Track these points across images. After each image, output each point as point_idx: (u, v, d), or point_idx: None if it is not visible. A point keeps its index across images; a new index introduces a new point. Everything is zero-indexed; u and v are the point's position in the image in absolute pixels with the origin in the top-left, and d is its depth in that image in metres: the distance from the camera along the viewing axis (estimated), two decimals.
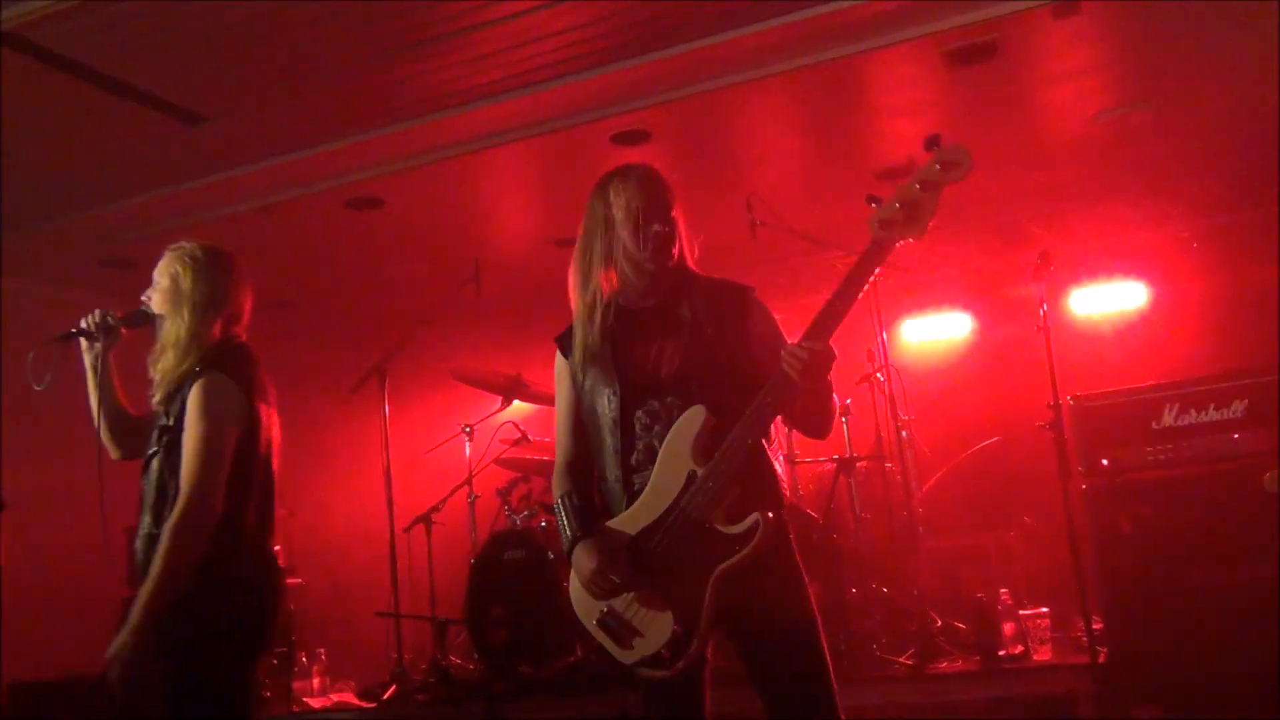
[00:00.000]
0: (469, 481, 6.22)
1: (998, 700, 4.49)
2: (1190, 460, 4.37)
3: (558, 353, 2.83)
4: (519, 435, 6.14)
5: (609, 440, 2.66)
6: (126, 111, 4.78)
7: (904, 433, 5.78)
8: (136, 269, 6.58)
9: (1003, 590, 5.01)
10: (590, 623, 2.67)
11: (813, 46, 4.75)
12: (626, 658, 2.60)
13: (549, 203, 6.66)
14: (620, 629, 2.60)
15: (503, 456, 6.19)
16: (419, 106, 5.09)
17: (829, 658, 2.56)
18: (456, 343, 7.00)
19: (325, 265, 7.17)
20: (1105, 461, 4.50)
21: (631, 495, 2.62)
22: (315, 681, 5.98)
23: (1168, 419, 4.43)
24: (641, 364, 2.65)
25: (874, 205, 2.46)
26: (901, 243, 2.45)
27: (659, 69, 4.83)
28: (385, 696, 5.53)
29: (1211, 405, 4.39)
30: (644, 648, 2.57)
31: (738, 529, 2.45)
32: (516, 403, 6.27)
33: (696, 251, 2.80)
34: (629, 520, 2.62)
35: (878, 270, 2.51)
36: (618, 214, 2.71)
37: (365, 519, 6.58)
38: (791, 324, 2.65)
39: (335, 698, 5.87)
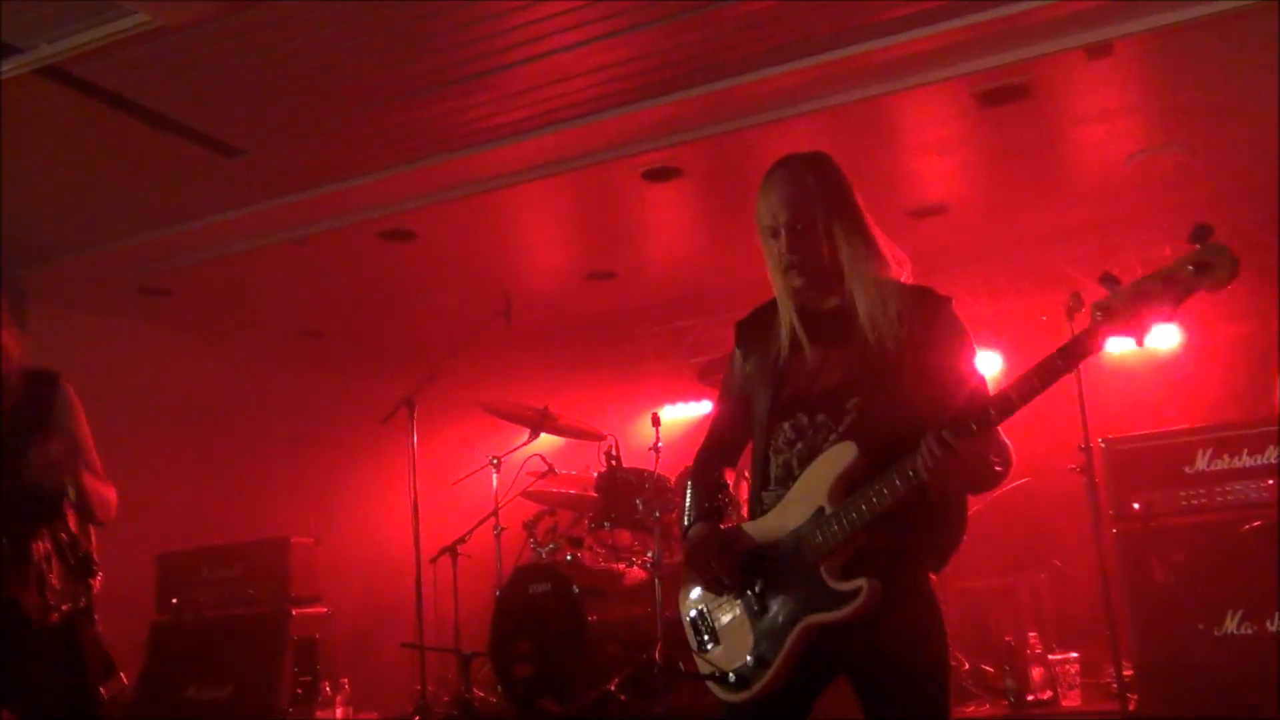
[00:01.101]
0: (495, 514, 6.22)
1: None
2: (1224, 506, 4.32)
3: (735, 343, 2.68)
4: (546, 468, 6.15)
5: (758, 443, 2.52)
6: (165, 143, 4.87)
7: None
8: (170, 298, 6.71)
9: (1031, 634, 4.95)
10: (686, 615, 2.60)
11: (844, 86, 4.77)
12: (700, 664, 2.53)
13: (580, 237, 6.71)
14: (706, 630, 2.54)
15: (529, 489, 6.20)
16: (453, 141, 5.15)
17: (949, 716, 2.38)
18: (485, 375, 7.04)
19: (358, 296, 7.24)
20: (1137, 505, 4.46)
21: (759, 510, 2.50)
22: (339, 711, 5.99)
23: (1200, 464, 4.39)
24: (801, 371, 2.47)
25: (1108, 286, 2.11)
26: (1111, 339, 2.12)
27: (690, 106, 4.87)
28: None
29: (1245, 450, 4.35)
30: (718, 660, 2.49)
31: (843, 587, 2.28)
32: (544, 436, 6.28)
33: (897, 254, 2.51)
34: (752, 531, 2.49)
35: (1083, 361, 2.18)
36: (759, 223, 2.54)
37: (392, 549, 6.60)
38: None
39: None
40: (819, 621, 2.30)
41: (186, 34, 4.00)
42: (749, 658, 2.41)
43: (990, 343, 7.42)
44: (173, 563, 6.38)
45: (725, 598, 2.51)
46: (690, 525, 2.60)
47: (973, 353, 2.46)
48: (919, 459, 2.18)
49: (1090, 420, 4.39)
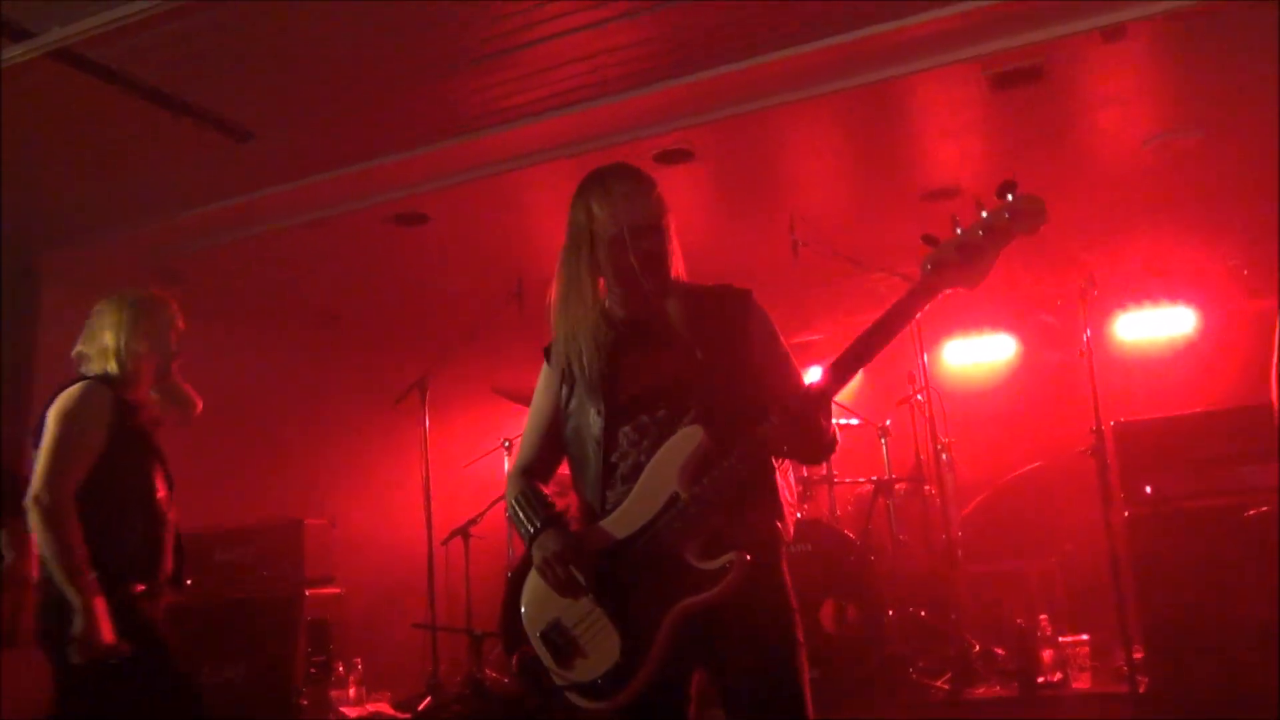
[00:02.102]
0: (507, 495, 6.24)
1: None
2: (1236, 490, 4.31)
3: (545, 363, 2.71)
4: None
5: (592, 458, 2.50)
6: (178, 127, 4.87)
7: (944, 455, 5.75)
8: (184, 282, 6.73)
9: (1042, 616, 4.96)
10: (535, 633, 2.48)
11: (856, 68, 4.75)
12: (561, 680, 2.41)
13: None
14: (564, 645, 2.42)
15: None
16: (465, 124, 5.15)
17: (809, 699, 2.34)
18: (498, 358, 7.05)
19: (371, 280, 7.26)
20: (1149, 489, 4.45)
21: (603, 512, 2.46)
22: (351, 691, 6.03)
23: (1213, 447, 4.38)
24: (631, 377, 2.49)
25: (930, 245, 2.25)
26: (950, 290, 2.25)
27: (703, 89, 4.85)
28: (420, 708, 5.57)
29: (1258, 435, 4.33)
30: (582, 672, 2.38)
31: (710, 565, 2.26)
32: None
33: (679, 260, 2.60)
34: (601, 531, 2.43)
35: (918, 315, 2.30)
36: (603, 229, 2.53)
37: (404, 531, 6.64)
38: (834, 343, 2.61)
39: (371, 708, 5.92)
40: (692, 604, 2.26)
41: (197, 16, 4.00)
42: (618, 659, 2.33)
43: (1005, 326, 7.42)
44: (186, 544, 6.40)
45: (582, 603, 2.41)
46: (535, 533, 2.52)
47: (778, 336, 2.54)
48: (768, 427, 2.24)
49: (1104, 405, 4.38)
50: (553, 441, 2.68)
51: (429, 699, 5.61)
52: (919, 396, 5.80)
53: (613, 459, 2.47)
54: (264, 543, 6.25)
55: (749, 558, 2.25)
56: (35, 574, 3.17)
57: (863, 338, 2.26)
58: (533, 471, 2.71)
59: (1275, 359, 2.03)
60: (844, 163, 6.13)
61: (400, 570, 6.83)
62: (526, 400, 6.77)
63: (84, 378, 3.34)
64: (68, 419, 3.20)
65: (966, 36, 4.54)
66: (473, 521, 6.28)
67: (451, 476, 6.78)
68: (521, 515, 2.59)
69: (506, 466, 6.33)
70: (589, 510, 2.51)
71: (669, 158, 5.50)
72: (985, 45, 4.59)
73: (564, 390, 2.62)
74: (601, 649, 2.36)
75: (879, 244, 5.69)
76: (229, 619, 5.97)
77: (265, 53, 4.36)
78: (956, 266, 2.22)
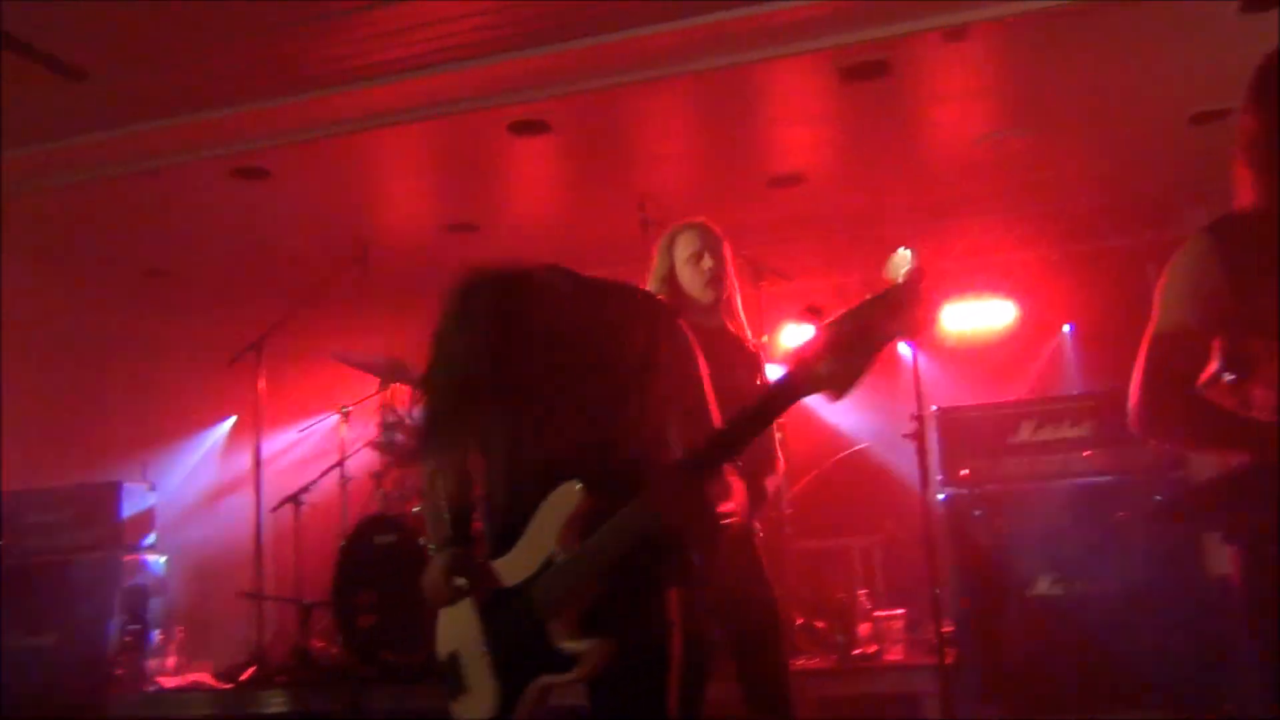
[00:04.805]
0: (341, 464, 6.14)
1: (850, 698, 4.64)
2: (1043, 474, 4.58)
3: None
4: (396, 419, 6.08)
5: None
6: (3, 61, 4.58)
7: (778, 434, 5.91)
8: (6, 225, 6.34)
9: (861, 591, 5.17)
10: (443, 650, 2.42)
11: (711, 51, 4.82)
12: (451, 709, 2.37)
13: (443, 188, 6.60)
14: (456, 679, 2.35)
15: (379, 440, 6.12)
16: (316, 79, 4.99)
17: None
18: (339, 323, 6.90)
19: (207, 234, 6.98)
20: (965, 472, 4.69)
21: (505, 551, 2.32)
22: (170, 660, 5.84)
23: (1025, 434, 4.64)
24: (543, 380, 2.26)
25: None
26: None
27: (561, 61, 4.84)
28: (243, 678, 5.43)
29: (1066, 422, 4.61)
30: (466, 709, 2.32)
31: (571, 648, 2.13)
32: (397, 387, 6.21)
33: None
34: (497, 570, 2.32)
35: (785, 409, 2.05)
36: None
37: (232, 497, 6.45)
38: None
39: (190, 678, 5.74)
40: (550, 684, 2.18)
41: None
42: (493, 712, 2.26)
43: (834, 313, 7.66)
44: None
45: (476, 643, 2.33)
46: (441, 545, 2.42)
47: (691, 355, 2.32)
48: (649, 497, 2.04)
49: (931, 391, 4.59)
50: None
51: (253, 669, 5.47)
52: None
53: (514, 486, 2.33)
54: (80, 504, 5.97)
55: (608, 646, 2.11)
56: None
57: (726, 431, 2.10)
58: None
59: (1139, 363, 2.14)
60: (695, 144, 6.22)
61: (227, 537, 6.64)
62: (366, 367, 6.67)
63: None
64: None
65: (819, 27, 4.66)
66: (305, 489, 6.13)
67: (286, 442, 6.61)
68: (443, 515, 2.48)
69: (343, 434, 6.21)
70: (495, 538, 2.37)
71: (524, 128, 5.47)
72: (837, 37, 4.72)
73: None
74: (482, 695, 2.29)
75: (726, 225, 5.76)
76: (41, 583, 5.70)
77: None
78: (824, 379, 1.93)
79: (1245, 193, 2.10)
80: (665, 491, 2.04)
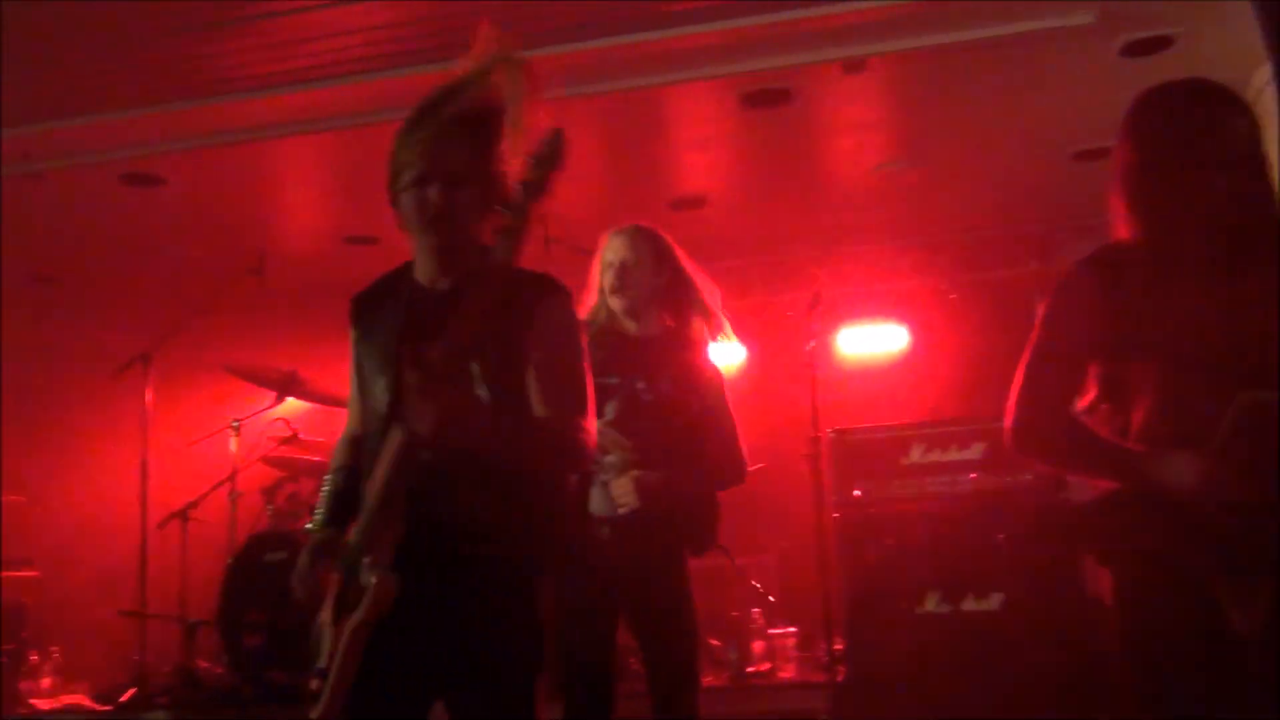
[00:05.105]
0: (232, 478, 5.99)
1: (744, 717, 4.69)
2: (932, 496, 4.70)
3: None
4: (290, 434, 5.97)
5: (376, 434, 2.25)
6: None
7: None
8: None
9: (755, 610, 5.24)
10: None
11: (615, 73, 4.87)
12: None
13: (341, 199, 6.51)
14: (317, 637, 2.25)
15: (271, 455, 6.00)
16: (213, 86, 4.90)
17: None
18: (233, 335, 6.75)
19: (96, 241, 6.76)
20: (857, 493, 4.79)
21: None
22: (46, 681, 5.63)
23: (915, 456, 4.76)
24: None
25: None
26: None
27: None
28: (123, 699, 5.26)
29: (955, 446, 4.75)
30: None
31: (363, 580, 2.07)
32: (291, 401, 6.10)
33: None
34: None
35: None
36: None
37: (116, 513, 6.24)
38: None
39: (66, 699, 5.54)
40: (357, 625, 2.07)
41: None
42: (318, 668, 2.18)
43: (740, 336, 7.74)
44: None
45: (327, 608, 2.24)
46: (319, 524, 2.35)
47: (573, 333, 2.40)
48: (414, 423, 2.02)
49: (826, 413, 4.67)
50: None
51: (133, 690, 5.30)
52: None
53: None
54: None
55: (390, 579, 2.03)
56: None
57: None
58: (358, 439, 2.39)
59: (1016, 382, 2.20)
60: (596, 164, 6.24)
61: (109, 554, 6.41)
62: (259, 379, 6.55)
63: None
64: None
65: (722, 54, 4.75)
66: (192, 505, 5.97)
67: (174, 457, 6.43)
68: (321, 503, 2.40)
69: (233, 447, 6.07)
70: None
71: None
72: (739, 64, 4.82)
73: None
74: (321, 653, 2.20)
75: None
76: None
77: None
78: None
79: (1120, 224, 2.20)
80: (430, 416, 1.99)
